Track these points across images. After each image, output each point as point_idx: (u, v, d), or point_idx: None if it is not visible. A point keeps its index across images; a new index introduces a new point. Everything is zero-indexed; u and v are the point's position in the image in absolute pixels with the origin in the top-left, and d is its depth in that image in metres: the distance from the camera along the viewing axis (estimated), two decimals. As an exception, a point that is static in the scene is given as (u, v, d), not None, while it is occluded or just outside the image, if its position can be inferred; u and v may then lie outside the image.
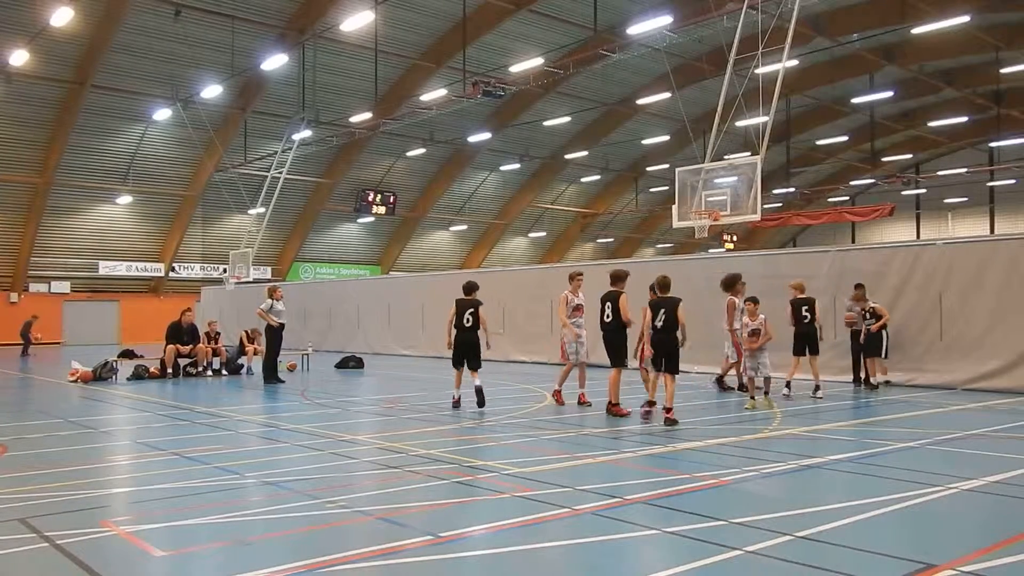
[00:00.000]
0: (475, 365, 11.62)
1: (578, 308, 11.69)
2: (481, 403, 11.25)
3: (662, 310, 10.06)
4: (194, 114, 33.31)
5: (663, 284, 10.30)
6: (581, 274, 11.99)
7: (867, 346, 13.87)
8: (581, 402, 11.65)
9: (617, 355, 10.75)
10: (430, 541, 5.07)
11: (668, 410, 9.87)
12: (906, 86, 38.41)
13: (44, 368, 22.04)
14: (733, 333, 12.86)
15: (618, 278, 10.88)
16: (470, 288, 11.87)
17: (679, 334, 10.10)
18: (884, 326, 13.75)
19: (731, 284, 13.04)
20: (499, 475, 6.95)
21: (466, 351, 11.60)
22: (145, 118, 34.25)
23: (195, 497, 6.30)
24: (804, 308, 12.61)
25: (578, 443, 8.81)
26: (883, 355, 13.93)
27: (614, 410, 10.66)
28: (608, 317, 10.70)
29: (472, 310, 11.56)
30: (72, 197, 36.54)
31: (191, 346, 18.22)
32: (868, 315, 13.80)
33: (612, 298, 10.74)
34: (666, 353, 10.07)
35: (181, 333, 18.23)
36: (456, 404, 11.59)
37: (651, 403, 10.51)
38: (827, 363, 14.82)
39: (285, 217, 41.57)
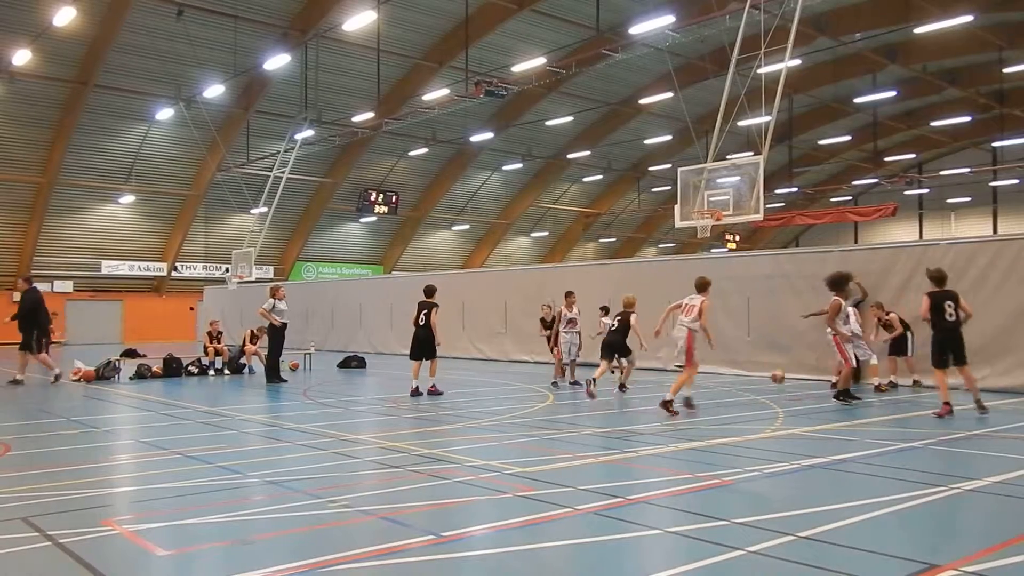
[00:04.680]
0: (429, 356, 13.26)
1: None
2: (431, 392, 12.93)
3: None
4: (197, 114, 33.32)
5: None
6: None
7: (892, 349, 13.81)
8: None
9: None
10: (432, 541, 5.07)
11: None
12: (909, 86, 38.35)
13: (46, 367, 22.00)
14: (842, 337, 12.07)
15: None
16: (429, 291, 13.57)
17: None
18: (903, 333, 13.69)
19: (838, 284, 12.07)
20: (501, 475, 6.94)
21: (418, 345, 13.27)
22: (148, 118, 34.29)
23: (197, 496, 6.31)
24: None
25: (580, 443, 8.80)
26: (910, 353, 13.79)
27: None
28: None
29: (427, 310, 13.18)
30: (75, 196, 36.59)
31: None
32: (880, 324, 13.75)
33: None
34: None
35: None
36: (415, 393, 12.90)
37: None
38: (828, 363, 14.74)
39: (287, 217, 41.61)
